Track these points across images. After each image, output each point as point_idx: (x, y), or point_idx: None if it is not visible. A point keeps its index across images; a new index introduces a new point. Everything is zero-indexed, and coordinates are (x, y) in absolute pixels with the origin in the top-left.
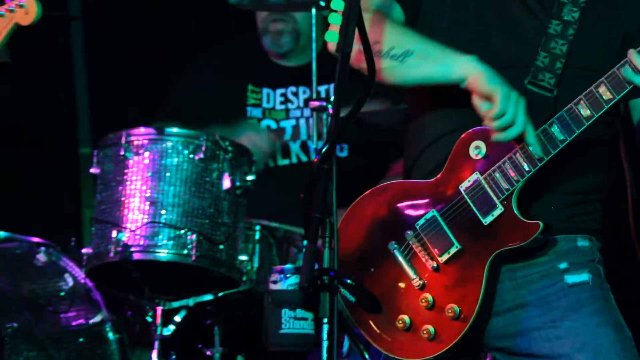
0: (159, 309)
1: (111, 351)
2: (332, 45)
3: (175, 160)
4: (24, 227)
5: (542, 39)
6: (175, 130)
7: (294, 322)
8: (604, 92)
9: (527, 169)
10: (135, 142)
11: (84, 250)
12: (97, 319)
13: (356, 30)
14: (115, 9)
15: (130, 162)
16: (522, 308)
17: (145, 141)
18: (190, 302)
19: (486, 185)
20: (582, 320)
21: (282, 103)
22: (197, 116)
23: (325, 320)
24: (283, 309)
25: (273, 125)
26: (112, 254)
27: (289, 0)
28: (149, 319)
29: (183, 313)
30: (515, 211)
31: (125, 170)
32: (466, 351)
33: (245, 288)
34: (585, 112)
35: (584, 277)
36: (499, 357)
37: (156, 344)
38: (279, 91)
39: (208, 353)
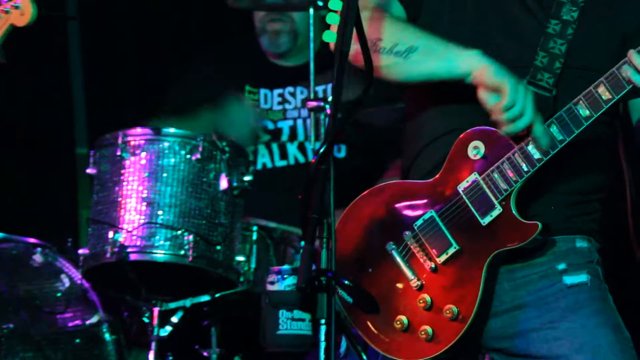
0: (156, 310)
1: (108, 352)
2: (331, 45)
3: (172, 160)
4: (20, 227)
5: (540, 38)
6: (172, 130)
7: (291, 323)
8: (603, 92)
9: (525, 169)
10: (132, 143)
11: (80, 251)
12: (94, 319)
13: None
14: (111, 9)
15: (127, 162)
16: (520, 309)
17: (142, 141)
18: (187, 303)
19: (485, 186)
20: (580, 321)
21: (279, 103)
22: (196, 116)
23: (323, 321)
24: (280, 310)
25: (270, 125)
26: (108, 255)
27: (286, 0)
28: (146, 320)
29: (180, 314)
30: (513, 212)
31: (122, 171)
32: (464, 352)
33: (242, 289)
34: (584, 112)
35: (582, 278)
36: (497, 358)
37: (153, 345)
38: (277, 92)
39: (205, 354)
